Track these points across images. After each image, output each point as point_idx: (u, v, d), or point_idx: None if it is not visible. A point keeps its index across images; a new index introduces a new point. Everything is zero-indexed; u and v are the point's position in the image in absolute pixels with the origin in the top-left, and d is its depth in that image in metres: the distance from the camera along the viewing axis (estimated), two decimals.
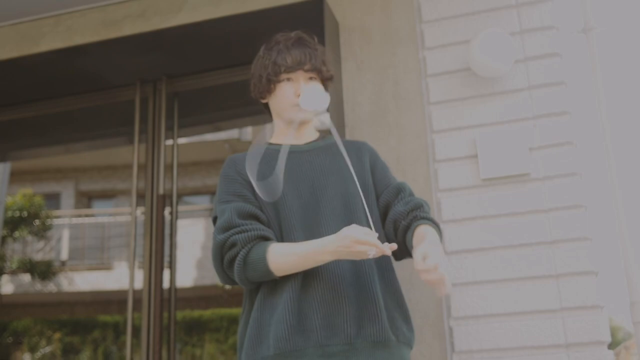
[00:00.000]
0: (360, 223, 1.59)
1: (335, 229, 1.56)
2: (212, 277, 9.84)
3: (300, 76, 1.72)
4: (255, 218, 1.63)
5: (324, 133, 1.86)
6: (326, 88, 1.77)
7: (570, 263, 2.13)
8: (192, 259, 10.07)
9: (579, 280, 2.11)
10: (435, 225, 1.69)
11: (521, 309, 2.13)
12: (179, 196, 3.26)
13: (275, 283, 1.61)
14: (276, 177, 1.62)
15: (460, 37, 2.46)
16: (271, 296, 1.61)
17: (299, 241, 1.60)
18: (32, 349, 9.11)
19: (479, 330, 2.15)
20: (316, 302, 1.56)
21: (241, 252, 1.58)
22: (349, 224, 1.54)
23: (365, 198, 1.65)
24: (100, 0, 3.04)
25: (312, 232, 1.61)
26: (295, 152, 1.73)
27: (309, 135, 1.81)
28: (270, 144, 1.79)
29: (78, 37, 3.04)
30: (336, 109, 2.44)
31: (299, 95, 1.69)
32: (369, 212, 1.65)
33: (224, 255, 1.61)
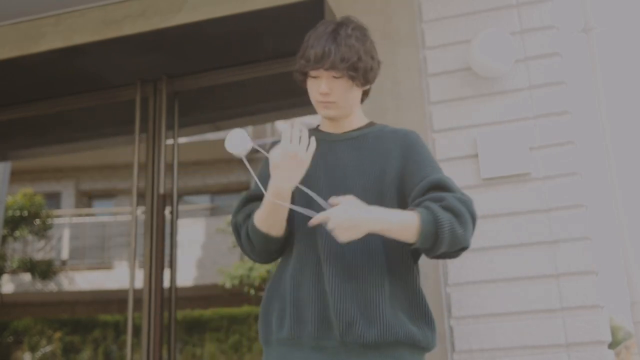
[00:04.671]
0: None
1: None
2: (212, 277, 9.84)
3: (323, 74, 1.67)
4: (260, 199, 1.72)
5: (372, 123, 1.82)
6: (359, 85, 1.70)
7: (571, 263, 2.13)
8: (192, 259, 10.07)
9: (580, 279, 2.11)
10: (434, 216, 1.49)
11: (521, 308, 2.13)
12: (180, 196, 3.27)
13: (282, 272, 1.67)
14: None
15: (460, 37, 2.46)
16: (277, 284, 1.67)
17: (306, 228, 1.61)
18: (33, 349, 9.12)
19: (479, 330, 2.15)
20: (315, 294, 1.57)
21: (244, 228, 1.71)
22: None
23: (376, 196, 1.63)
24: (100, 0, 3.04)
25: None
26: (326, 141, 1.75)
27: (350, 124, 1.78)
28: (316, 129, 1.82)
29: (78, 36, 3.04)
30: None
31: (322, 94, 1.68)
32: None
33: (239, 235, 1.74)
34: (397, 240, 1.56)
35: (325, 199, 1.59)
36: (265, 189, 1.64)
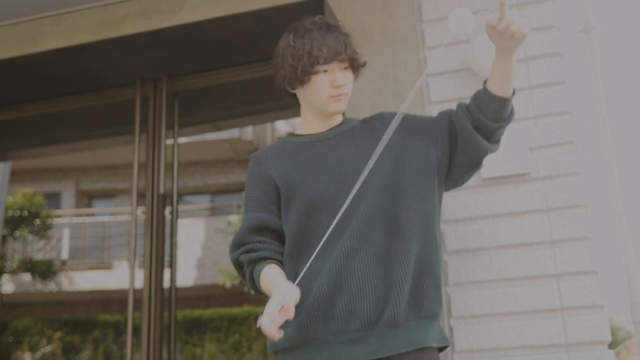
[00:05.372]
0: (402, 197, 1.62)
1: (377, 206, 1.59)
2: (212, 277, 9.85)
3: (335, 67, 1.67)
4: (267, 229, 1.69)
5: (347, 118, 1.82)
6: (357, 76, 1.74)
7: (571, 263, 2.13)
8: (192, 259, 10.09)
9: (580, 279, 2.11)
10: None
11: (521, 308, 2.13)
12: (180, 195, 3.27)
13: (297, 274, 1.62)
14: (299, 169, 1.68)
15: (460, 37, 2.46)
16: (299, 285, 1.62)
17: (327, 227, 1.58)
18: (33, 348, 9.13)
19: (479, 330, 2.15)
20: (340, 289, 1.55)
21: (247, 271, 1.68)
22: (392, 200, 1.61)
23: (394, 176, 1.63)
24: (100, 0, 3.04)
25: (350, 216, 1.60)
26: (319, 141, 1.73)
27: (333, 121, 1.77)
28: (295, 135, 1.79)
29: (78, 36, 3.04)
30: None
31: (336, 87, 1.67)
32: (404, 185, 1.64)
33: (239, 270, 1.73)
34: (423, 217, 1.63)
35: (342, 194, 1.59)
36: (255, 207, 1.68)
